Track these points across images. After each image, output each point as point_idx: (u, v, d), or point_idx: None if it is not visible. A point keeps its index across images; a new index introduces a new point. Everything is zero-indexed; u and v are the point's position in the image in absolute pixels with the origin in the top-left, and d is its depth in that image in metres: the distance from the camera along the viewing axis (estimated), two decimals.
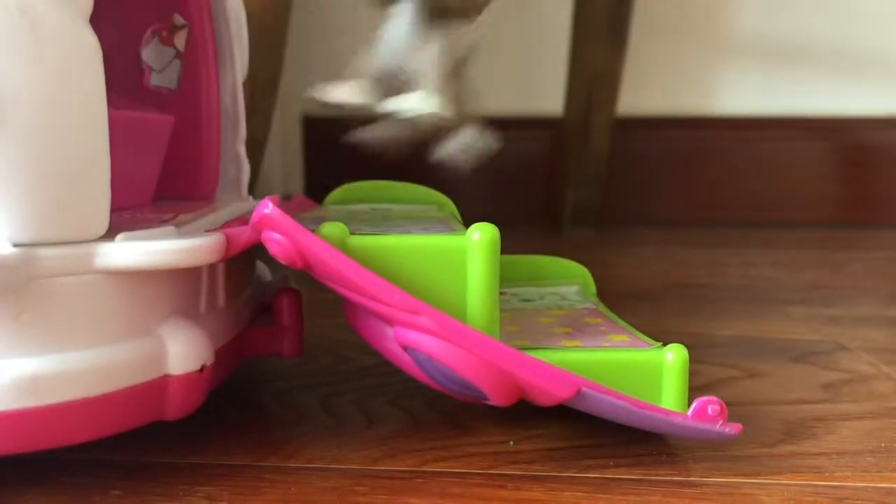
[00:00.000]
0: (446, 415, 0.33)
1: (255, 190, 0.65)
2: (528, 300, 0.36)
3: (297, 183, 0.90)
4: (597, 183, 0.85)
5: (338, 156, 0.91)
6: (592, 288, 0.38)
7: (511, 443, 0.30)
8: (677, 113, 0.90)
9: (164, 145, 0.35)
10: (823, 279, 0.62)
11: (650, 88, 0.89)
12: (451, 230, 0.31)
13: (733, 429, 0.27)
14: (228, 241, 0.27)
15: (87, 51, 0.24)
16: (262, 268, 0.38)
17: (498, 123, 1.00)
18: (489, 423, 0.32)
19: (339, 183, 0.40)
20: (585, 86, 0.83)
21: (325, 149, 0.91)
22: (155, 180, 0.35)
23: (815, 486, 0.27)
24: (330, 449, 0.30)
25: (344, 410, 0.33)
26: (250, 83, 0.59)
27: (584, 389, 0.26)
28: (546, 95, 0.88)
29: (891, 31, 0.87)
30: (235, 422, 0.32)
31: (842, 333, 0.45)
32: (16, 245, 0.24)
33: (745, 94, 0.89)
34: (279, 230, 0.26)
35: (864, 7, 0.87)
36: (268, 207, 0.26)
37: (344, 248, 0.27)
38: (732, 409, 0.34)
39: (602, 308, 0.35)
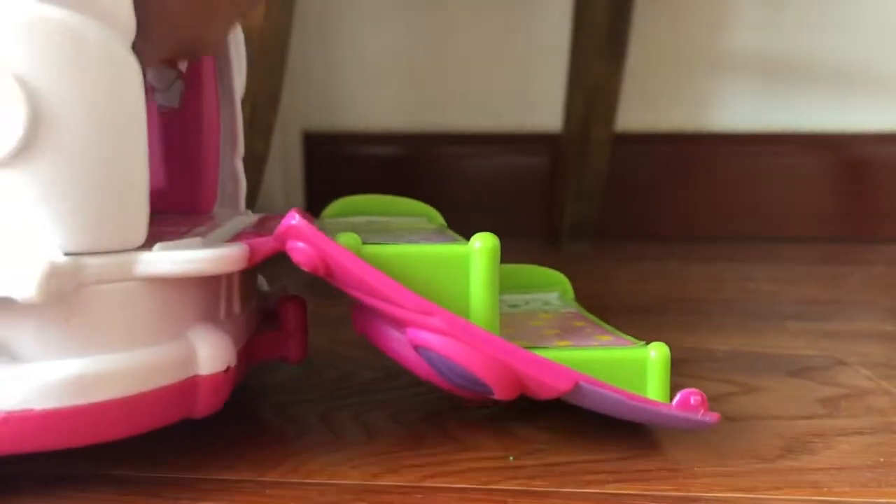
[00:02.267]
0: (446, 430, 0.33)
1: (255, 205, 0.66)
2: (514, 305, 0.39)
3: (297, 198, 0.91)
4: (595, 198, 0.85)
5: (338, 171, 0.92)
6: (571, 293, 0.41)
7: (511, 458, 0.30)
8: (676, 128, 0.90)
9: None
10: (822, 294, 0.63)
11: (649, 104, 0.89)
12: (451, 240, 0.34)
13: (712, 417, 0.29)
14: (252, 250, 0.29)
15: (131, 72, 0.26)
16: (260, 279, 0.39)
17: (497, 139, 1.00)
18: (488, 438, 0.32)
19: (339, 198, 0.41)
20: (584, 101, 0.83)
21: (325, 164, 0.92)
22: None
23: (813, 500, 0.27)
24: (330, 464, 0.30)
25: (344, 425, 0.33)
26: (251, 99, 0.59)
27: (581, 383, 0.29)
28: (545, 111, 0.89)
29: (888, 46, 0.88)
30: (235, 436, 0.33)
31: (840, 348, 0.46)
32: (66, 254, 0.25)
33: (743, 109, 0.90)
34: (304, 239, 0.29)
35: (862, 22, 0.87)
36: (294, 219, 0.29)
37: (360, 255, 0.29)
38: (730, 425, 0.34)
39: (584, 312, 0.38)
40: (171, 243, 0.27)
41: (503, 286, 0.39)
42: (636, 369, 0.30)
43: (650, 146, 0.90)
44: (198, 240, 0.29)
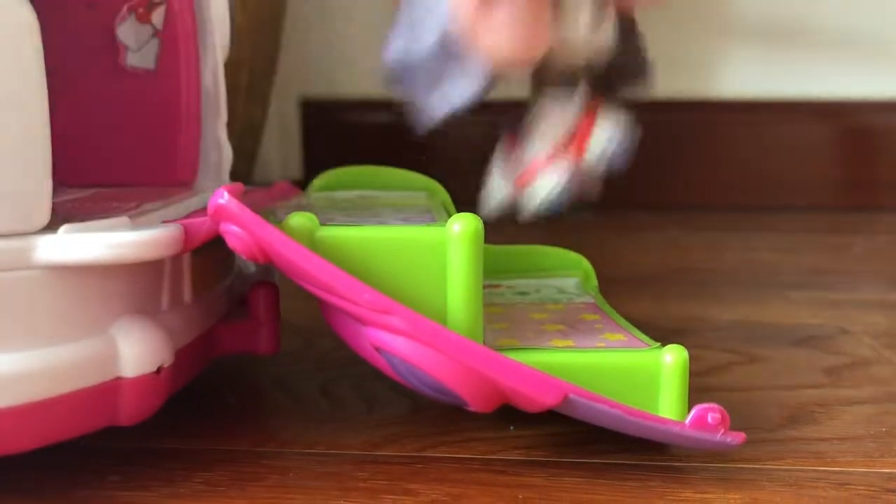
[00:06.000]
0: None
1: (252, 176, 0.65)
2: (523, 293, 0.35)
3: (295, 168, 0.90)
4: None
5: (337, 140, 0.91)
6: (593, 280, 0.37)
7: (511, 428, 0.30)
8: (679, 95, 0.89)
9: None
10: (825, 263, 0.62)
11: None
12: (432, 221, 0.30)
13: (735, 438, 0.25)
14: (187, 233, 0.25)
15: (23, 27, 0.23)
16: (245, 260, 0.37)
17: (495, 106, 0.99)
18: None
19: (337, 166, 0.39)
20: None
21: (323, 133, 0.91)
22: None
23: (817, 471, 0.27)
24: (329, 434, 0.30)
25: (343, 396, 0.33)
26: (248, 66, 0.58)
27: (572, 396, 0.25)
28: None
29: (894, 13, 0.86)
30: (234, 407, 0.32)
31: (843, 317, 0.45)
32: None
33: (747, 76, 0.89)
34: (237, 222, 0.25)
35: None
36: (223, 197, 0.24)
37: (312, 240, 0.25)
38: (733, 395, 0.34)
39: (601, 302, 0.34)
40: (81, 225, 0.24)
41: (515, 269, 0.37)
42: (647, 376, 0.26)
43: (652, 114, 0.89)
44: (123, 220, 0.25)
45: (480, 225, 0.26)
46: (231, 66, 0.39)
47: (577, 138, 0.33)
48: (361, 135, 0.91)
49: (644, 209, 0.87)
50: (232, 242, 0.25)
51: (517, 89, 0.92)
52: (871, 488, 0.26)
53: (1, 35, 0.22)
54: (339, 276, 0.24)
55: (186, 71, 0.35)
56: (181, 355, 0.27)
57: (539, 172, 0.31)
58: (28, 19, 0.23)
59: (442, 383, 0.25)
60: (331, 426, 0.30)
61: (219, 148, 0.37)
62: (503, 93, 0.88)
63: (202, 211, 0.29)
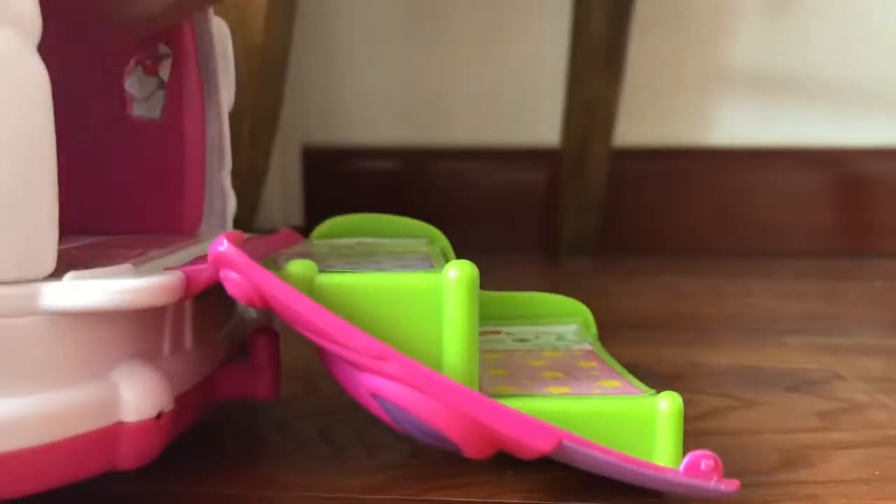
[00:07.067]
0: None
1: (254, 223, 0.66)
2: (522, 340, 0.35)
3: (297, 215, 0.91)
4: (594, 213, 0.85)
5: (338, 187, 0.92)
6: (592, 327, 0.37)
7: (510, 472, 0.30)
8: (676, 143, 0.91)
9: None
10: (821, 308, 0.63)
11: (647, 119, 0.90)
12: (430, 267, 0.30)
13: (729, 486, 0.25)
14: (188, 280, 0.26)
15: (34, 81, 0.23)
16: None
17: (495, 154, 1.01)
18: None
19: (339, 214, 0.40)
20: (582, 116, 0.83)
21: (325, 180, 0.92)
22: None
23: None
24: (330, 478, 0.30)
25: (344, 440, 0.34)
26: (251, 114, 0.60)
27: (566, 442, 0.25)
28: (543, 126, 0.89)
29: (885, 62, 0.88)
30: (235, 451, 0.33)
31: (838, 363, 0.46)
32: None
33: (741, 124, 0.90)
34: (235, 269, 0.25)
35: (861, 38, 0.88)
36: (222, 245, 0.25)
37: (310, 287, 0.26)
38: (729, 439, 0.34)
39: (598, 349, 0.34)
40: (86, 272, 0.24)
41: (515, 315, 0.37)
42: (642, 423, 0.26)
43: (649, 161, 0.90)
44: (127, 267, 0.26)
45: (476, 272, 0.26)
46: (234, 116, 0.40)
47: None
48: (362, 182, 0.92)
49: (642, 255, 0.88)
50: (231, 289, 0.26)
51: (519, 136, 0.93)
52: None
53: (11, 89, 0.23)
54: (334, 322, 0.25)
55: (191, 121, 0.36)
56: (182, 401, 0.27)
57: None
58: (38, 73, 0.23)
59: (436, 429, 0.25)
60: (332, 470, 0.31)
61: (223, 196, 0.38)
62: (495, 142, 0.88)
63: (204, 258, 0.30)
